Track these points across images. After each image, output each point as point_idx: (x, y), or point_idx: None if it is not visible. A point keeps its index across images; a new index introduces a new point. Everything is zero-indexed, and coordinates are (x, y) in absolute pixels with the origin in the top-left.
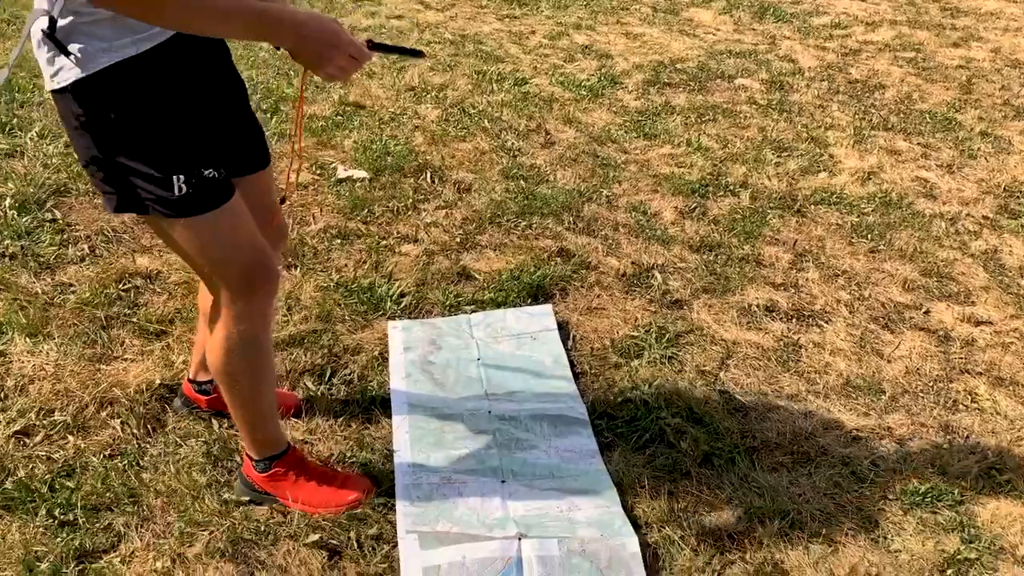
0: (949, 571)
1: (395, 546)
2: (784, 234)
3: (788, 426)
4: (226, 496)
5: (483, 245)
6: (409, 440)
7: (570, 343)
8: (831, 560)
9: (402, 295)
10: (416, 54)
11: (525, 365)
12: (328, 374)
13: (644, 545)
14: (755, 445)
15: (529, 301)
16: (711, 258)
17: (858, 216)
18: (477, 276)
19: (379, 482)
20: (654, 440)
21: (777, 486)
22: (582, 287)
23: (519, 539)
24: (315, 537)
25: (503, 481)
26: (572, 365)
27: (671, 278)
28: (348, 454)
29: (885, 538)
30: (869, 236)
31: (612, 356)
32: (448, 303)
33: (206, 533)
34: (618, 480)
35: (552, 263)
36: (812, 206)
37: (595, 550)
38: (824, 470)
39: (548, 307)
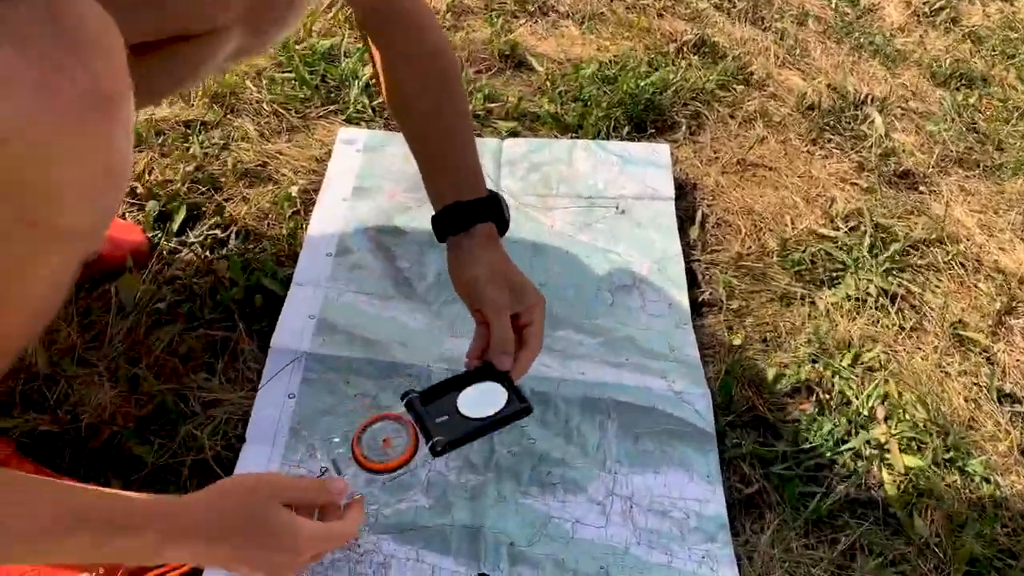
0: None
1: None
2: None
3: None
4: None
5: (559, 11)
6: (288, 416)
7: (694, 233)
8: None
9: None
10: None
11: (591, 271)
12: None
13: None
14: None
15: (627, 132)
16: (969, 101)
17: None
18: (535, 66)
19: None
20: (853, 508)
21: None
22: (731, 120)
23: None
24: None
25: (482, 574)
26: (694, 283)
27: (899, 126)
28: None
29: None
30: None
31: (777, 276)
32: (471, 111)
33: None
34: None
35: (681, 63)
36: None
37: None
38: None
39: (663, 149)
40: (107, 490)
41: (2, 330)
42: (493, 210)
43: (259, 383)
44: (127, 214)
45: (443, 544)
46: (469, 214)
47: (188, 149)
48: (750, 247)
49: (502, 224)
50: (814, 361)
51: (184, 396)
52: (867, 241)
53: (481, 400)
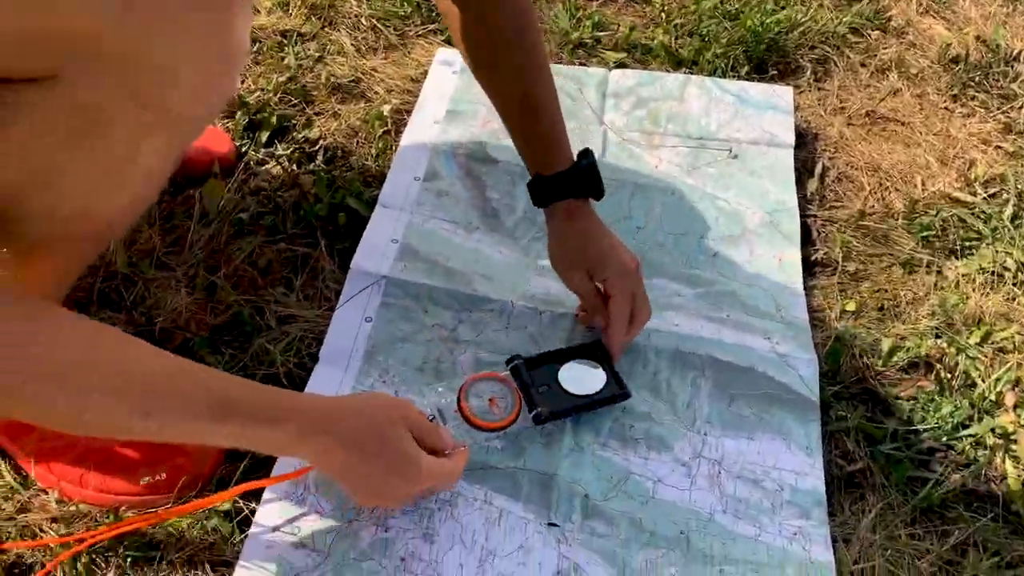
0: None
1: None
2: None
3: None
4: None
5: None
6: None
7: (812, 186)
8: None
9: None
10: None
11: (696, 218)
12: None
13: None
14: None
15: (745, 72)
16: None
17: None
18: None
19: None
20: (969, 500)
21: None
22: (862, 68)
23: None
24: None
25: (552, 524)
26: (808, 240)
27: None
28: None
29: None
30: None
31: (901, 240)
32: (577, 39)
33: None
34: None
35: (812, 2)
36: None
37: None
38: None
39: (786, 92)
40: (252, 382)
41: (104, 211)
42: (575, 183)
43: (337, 303)
44: (216, 122)
45: (514, 488)
46: (551, 189)
47: (283, 59)
48: (873, 206)
49: (591, 190)
50: (937, 336)
51: (260, 309)
52: (1009, 210)
53: (582, 377)
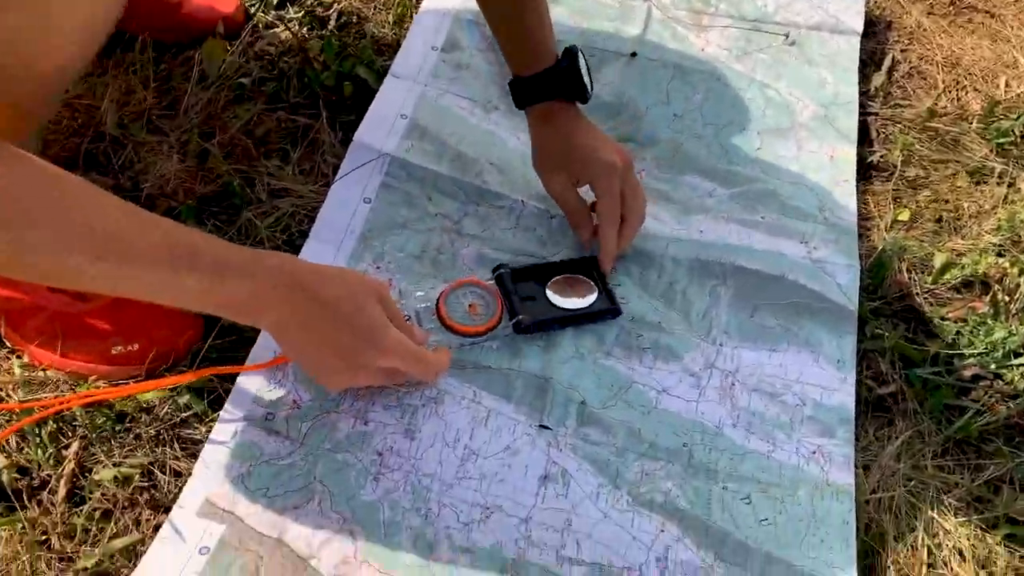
0: None
1: None
2: None
3: None
4: None
5: None
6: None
7: (877, 80)
8: None
9: None
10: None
11: (741, 107)
12: None
13: None
14: None
15: None
16: None
17: None
18: None
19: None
20: (1011, 435)
21: None
22: None
23: None
24: None
25: (543, 426)
26: (865, 140)
27: None
28: None
29: None
30: None
31: (972, 145)
32: None
33: None
34: None
35: None
36: None
37: None
38: None
39: None
40: (221, 239)
41: (37, 68)
42: (555, 84)
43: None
44: None
45: (507, 388)
46: (530, 90)
47: None
48: (945, 107)
49: (573, 93)
50: (1000, 254)
51: (252, 180)
52: None
53: (571, 292)
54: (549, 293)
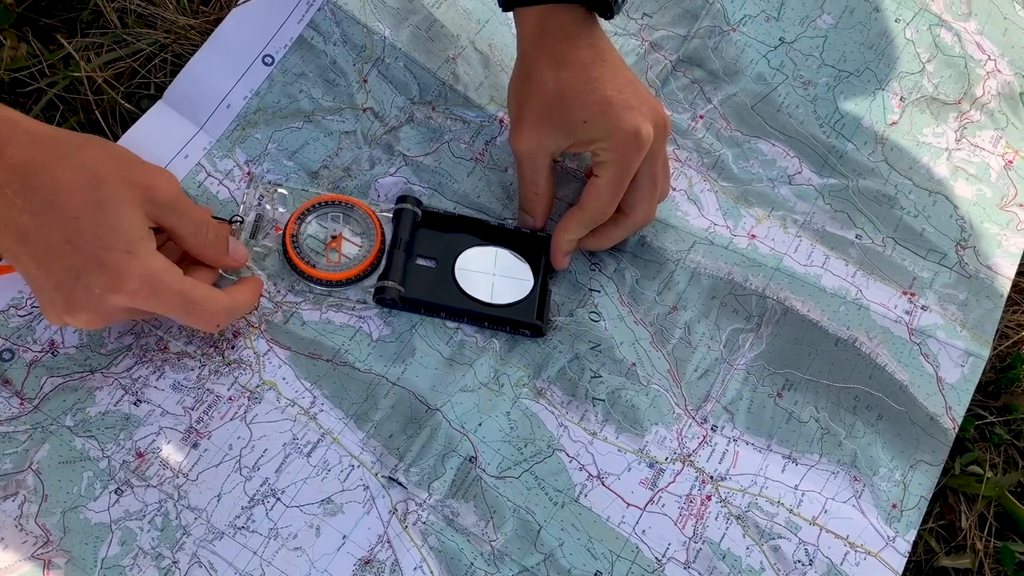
0: None
1: None
2: None
3: None
4: None
5: None
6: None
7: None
8: None
9: None
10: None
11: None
12: None
13: None
14: None
15: None
16: None
17: None
18: None
19: None
20: None
21: None
22: None
23: None
24: None
25: (392, 479)
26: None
27: None
28: None
29: None
30: None
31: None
32: None
33: None
34: None
35: None
36: None
37: None
38: None
39: None
40: None
41: None
42: None
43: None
44: None
45: (361, 405)
46: None
47: None
48: None
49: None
50: None
51: None
52: None
53: (492, 273)
54: (458, 265)
